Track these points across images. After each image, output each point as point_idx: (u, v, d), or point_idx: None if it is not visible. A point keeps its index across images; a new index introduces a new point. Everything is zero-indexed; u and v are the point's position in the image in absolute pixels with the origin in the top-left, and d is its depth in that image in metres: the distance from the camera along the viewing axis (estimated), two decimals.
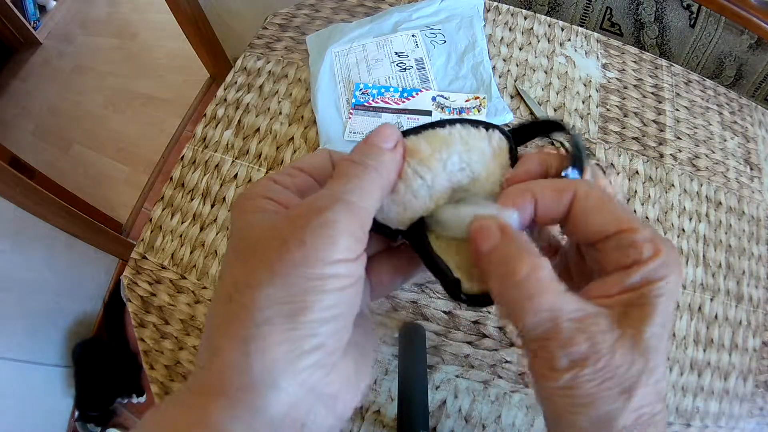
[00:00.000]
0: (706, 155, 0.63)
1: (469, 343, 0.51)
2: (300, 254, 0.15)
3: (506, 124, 0.23)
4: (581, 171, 0.20)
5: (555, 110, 0.64)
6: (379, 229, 0.20)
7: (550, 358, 0.17)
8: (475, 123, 0.22)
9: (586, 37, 0.71)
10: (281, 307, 0.15)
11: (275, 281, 0.15)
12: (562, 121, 0.21)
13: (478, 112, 0.61)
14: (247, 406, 0.15)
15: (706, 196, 0.61)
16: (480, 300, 0.20)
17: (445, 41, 0.67)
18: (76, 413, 1.18)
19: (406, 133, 0.21)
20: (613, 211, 0.18)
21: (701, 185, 0.61)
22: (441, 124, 0.21)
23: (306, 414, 0.16)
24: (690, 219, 0.59)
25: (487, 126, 0.22)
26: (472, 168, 0.21)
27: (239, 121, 0.64)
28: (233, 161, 0.61)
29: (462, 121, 0.22)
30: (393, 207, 0.20)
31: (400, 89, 0.63)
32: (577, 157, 0.20)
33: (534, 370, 0.18)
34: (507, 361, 0.51)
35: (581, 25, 0.76)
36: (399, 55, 0.66)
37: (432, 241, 0.20)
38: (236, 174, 0.60)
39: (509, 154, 0.22)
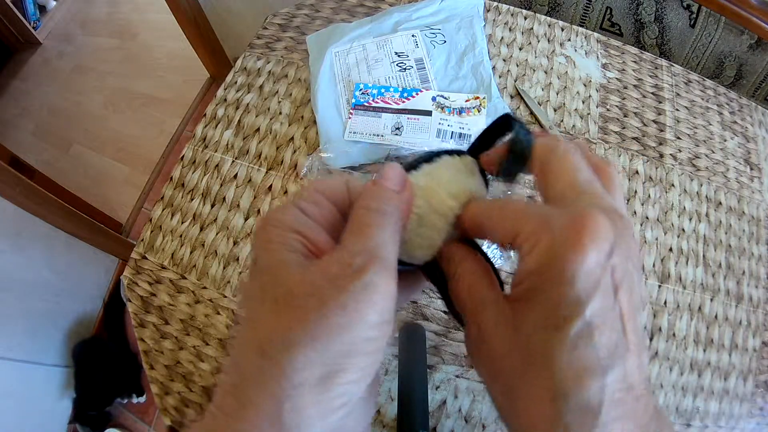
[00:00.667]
0: (706, 155, 0.63)
1: None
2: (340, 319, 0.15)
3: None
4: (523, 165, 0.21)
5: (555, 110, 0.64)
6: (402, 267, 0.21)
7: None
8: (447, 153, 0.23)
9: (586, 37, 0.71)
10: (318, 368, 0.15)
11: (313, 344, 0.15)
12: (508, 116, 0.22)
13: (478, 112, 0.61)
14: None
15: (706, 196, 0.61)
16: None
17: (445, 41, 0.67)
18: (72, 415, 1.18)
19: (406, 168, 0.22)
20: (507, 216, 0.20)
21: (701, 185, 0.61)
22: (428, 158, 0.23)
23: None
24: (690, 219, 0.59)
25: (453, 153, 0.23)
26: (460, 199, 0.22)
27: (239, 121, 0.64)
28: (233, 161, 0.61)
29: (453, 153, 0.23)
30: (404, 246, 0.21)
31: (400, 89, 0.63)
32: (517, 156, 0.21)
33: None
34: None
35: (581, 25, 0.76)
36: (399, 55, 0.66)
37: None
38: (236, 174, 0.60)
39: (480, 173, 0.23)
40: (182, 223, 0.58)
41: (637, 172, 0.61)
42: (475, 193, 0.22)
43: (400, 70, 0.65)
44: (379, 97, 0.62)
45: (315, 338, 0.15)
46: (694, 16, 0.73)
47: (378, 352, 0.16)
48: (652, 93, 0.67)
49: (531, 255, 0.17)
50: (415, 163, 0.22)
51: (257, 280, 0.18)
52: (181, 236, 0.57)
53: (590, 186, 0.19)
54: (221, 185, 0.59)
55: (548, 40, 0.70)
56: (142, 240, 0.57)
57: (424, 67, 0.65)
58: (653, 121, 0.65)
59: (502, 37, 0.70)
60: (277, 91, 0.66)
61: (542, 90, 0.65)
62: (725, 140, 0.65)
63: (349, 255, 0.17)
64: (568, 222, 0.16)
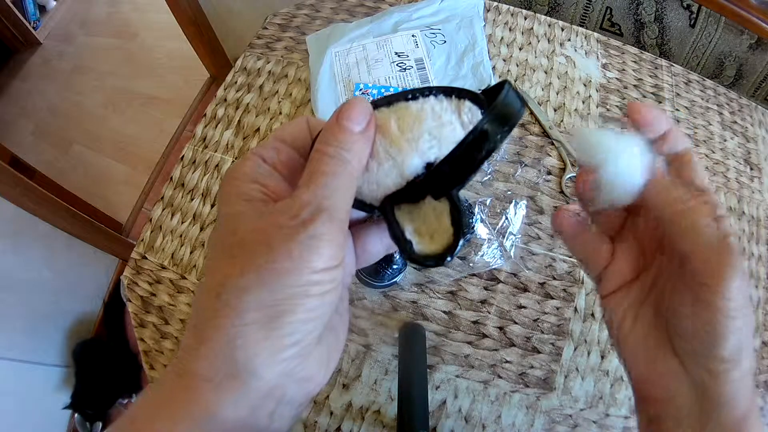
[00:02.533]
0: (706, 155, 0.63)
1: (469, 343, 0.51)
2: (287, 264, 0.16)
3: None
4: (501, 129, 0.20)
5: (555, 110, 0.64)
6: (355, 204, 0.21)
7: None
8: (448, 91, 0.21)
9: (586, 37, 0.71)
10: (266, 309, 0.16)
11: (262, 287, 0.16)
12: (506, 81, 0.21)
13: None
14: (232, 390, 0.17)
15: None
16: (430, 259, 0.20)
17: (445, 41, 0.67)
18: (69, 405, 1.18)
19: (376, 104, 0.21)
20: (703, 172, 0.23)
21: None
22: (414, 95, 0.21)
23: (282, 394, 0.18)
24: None
25: (459, 94, 0.21)
26: (441, 144, 0.21)
27: (239, 121, 0.64)
28: (233, 161, 0.61)
29: (435, 91, 0.21)
30: (365, 185, 0.21)
31: (400, 89, 0.63)
32: (497, 116, 0.20)
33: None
34: (507, 361, 0.51)
35: (581, 25, 0.76)
36: (399, 55, 0.66)
37: (400, 211, 0.21)
38: None
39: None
40: (182, 223, 0.58)
41: None
42: (446, 150, 0.21)
43: (400, 70, 0.65)
44: (379, 97, 0.62)
45: (263, 281, 0.16)
46: (694, 16, 0.73)
47: (326, 295, 0.17)
48: (652, 93, 0.67)
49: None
50: (392, 99, 0.21)
51: (217, 230, 0.19)
52: (181, 236, 0.57)
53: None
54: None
55: (548, 40, 0.70)
56: (142, 240, 0.57)
57: (424, 67, 0.65)
58: None
59: (502, 37, 0.70)
60: (277, 91, 0.66)
61: (542, 90, 0.65)
62: (725, 140, 0.65)
63: (298, 205, 0.17)
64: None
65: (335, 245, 0.17)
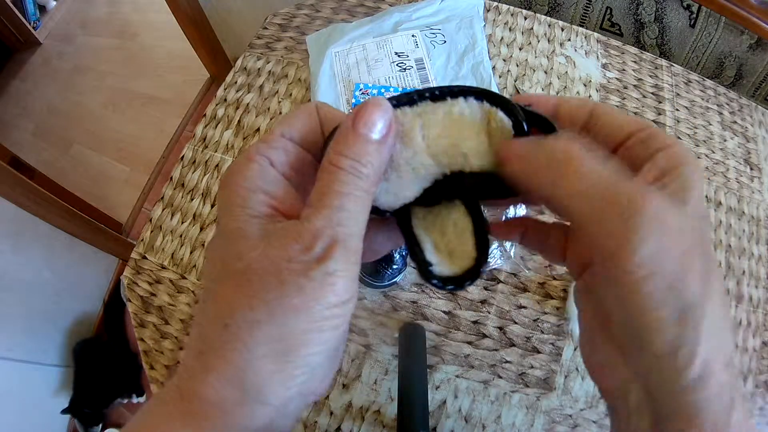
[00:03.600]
0: (706, 155, 0.63)
1: (469, 343, 0.51)
2: (298, 301, 0.16)
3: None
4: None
5: None
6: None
7: (612, 245, 0.16)
8: (479, 94, 0.19)
9: (586, 37, 0.71)
10: (277, 344, 0.16)
11: (273, 323, 0.16)
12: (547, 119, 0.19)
13: None
14: (241, 416, 0.16)
15: (706, 196, 0.61)
16: (449, 283, 0.19)
17: (445, 41, 0.67)
18: (68, 409, 1.18)
19: (398, 101, 0.19)
20: (627, 116, 0.19)
21: None
22: (441, 95, 0.19)
23: (286, 410, 0.17)
24: None
25: (491, 99, 0.19)
26: (468, 156, 0.19)
27: (239, 121, 0.64)
28: (233, 161, 0.61)
29: (465, 93, 0.19)
30: (382, 194, 0.19)
31: (400, 89, 0.63)
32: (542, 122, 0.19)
33: (601, 258, 0.17)
34: (507, 361, 0.51)
35: (581, 25, 0.76)
36: (399, 55, 0.66)
37: (416, 219, 0.20)
38: None
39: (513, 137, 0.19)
40: (182, 223, 0.58)
41: None
42: (468, 154, 0.19)
43: (400, 70, 0.65)
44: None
45: (273, 317, 0.15)
46: (694, 16, 0.73)
47: (339, 327, 0.17)
48: (652, 93, 0.67)
49: (670, 146, 0.17)
50: (415, 97, 0.19)
51: (219, 247, 0.17)
52: (181, 236, 0.57)
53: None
54: None
55: (548, 40, 0.70)
56: (142, 240, 0.57)
57: (424, 67, 0.65)
58: (653, 121, 0.65)
59: (502, 37, 0.70)
60: (277, 91, 0.66)
61: (542, 90, 0.65)
62: (725, 140, 0.65)
63: (311, 235, 0.16)
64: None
65: (350, 279, 0.16)
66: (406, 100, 0.19)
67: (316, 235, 0.16)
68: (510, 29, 0.71)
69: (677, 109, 0.66)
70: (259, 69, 0.68)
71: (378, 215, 0.20)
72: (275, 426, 0.17)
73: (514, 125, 0.19)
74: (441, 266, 0.19)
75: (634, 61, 0.70)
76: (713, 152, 0.64)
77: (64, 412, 1.16)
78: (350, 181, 0.17)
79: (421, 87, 0.20)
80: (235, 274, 0.16)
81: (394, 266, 0.50)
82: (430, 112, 0.19)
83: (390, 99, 0.19)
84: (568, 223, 0.21)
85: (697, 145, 0.64)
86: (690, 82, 0.69)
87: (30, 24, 1.97)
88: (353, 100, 0.62)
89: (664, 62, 0.70)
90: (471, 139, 0.19)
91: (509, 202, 0.21)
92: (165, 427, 0.16)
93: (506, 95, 0.19)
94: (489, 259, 0.19)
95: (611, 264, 0.16)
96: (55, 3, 2.11)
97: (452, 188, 0.20)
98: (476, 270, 0.19)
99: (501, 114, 0.19)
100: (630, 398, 0.18)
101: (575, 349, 0.52)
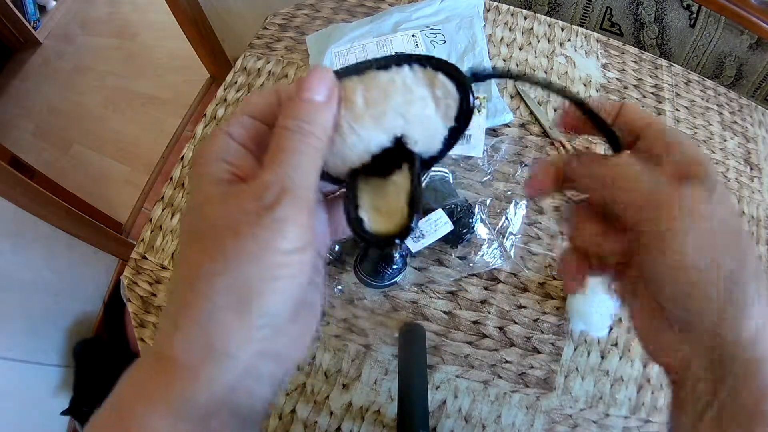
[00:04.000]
0: (706, 155, 0.63)
1: (469, 343, 0.51)
2: (253, 248, 0.17)
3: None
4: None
5: (555, 110, 0.64)
6: (324, 177, 0.20)
7: (656, 238, 0.18)
8: (423, 61, 0.20)
9: (586, 37, 0.71)
10: (236, 293, 0.17)
11: (230, 272, 0.17)
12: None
13: (479, 112, 0.61)
14: (207, 373, 0.17)
15: None
16: (379, 240, 0.20)
17: (445, 41, 0.67)
18: (67, 410, 1.18)
19: (346, 71, 0.20)
20: (644, 113, 0.22)
21: None
22: (387, 63, 0.20)
23: (259, 373, 0.18)
24: None
25: (436, 65, 0.20)
26: (410, 120, 0.20)
27: None
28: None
29: (410, 60, 0.20)
30: (330, 159, 0.20)
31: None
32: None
33: (647, 252, 0.19)
34: (507, 361, 0.51)
35: (581, 25, 0.76)
36: None
37: (363, 183, 0.21)
38: None
39: (458, 105, 0.20)
40: None
41: None
42: (407, 117, 0.20)
43: None
44: None
45: (229, 266, 0.17)
46: (694, 16, 0.73)
47: (295, 277, 0.18)
48: (652, 93, 0.67)
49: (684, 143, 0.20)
50: (362, 66, 0.20)
51: (187, 215, 0.19)
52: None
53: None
54: None
55: (548, 40, 0.70)
56: (142, 240, 0.57)
57: None
58: None
59: (502, 37, 0.70)
60: None
61: (542, 90, 0.65)
62: (725, 140, 0.65)
63: (262, 187, 0.17)
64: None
65: (301, 226, 0.17)
66: (353, 69, 0.20)
67: (266, 186, 0.17)
68: (510, 29, 0.71)
69: (677, 109, 0.66)
70: (259, 69, 0.68)
71: (335, 183, 0.21)
72: (247, 386, 0.18)
73: (458, 89, 0.20)
74: (373, 223, 0.20)
75: (634, 61, 0.70)
76: (713, 152, 0.64)
77: (64, 413, 1.16)
78: (297, 139, 0.18)
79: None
80: (199, 235, 0.18)
81: (394, 266, 0.50)
82: (374, 78, 0.20)
83: (338, 69, 0.20)
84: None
85: (697, 145, 0.64)
86: (690, 82, 0.69)
87: (30, 24, 1.97)
88: None
89: (664, 62, 0.70)
90: (412, 103, 0.20)
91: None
92: (141, 391, 0.17)
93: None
94: (420, 217, 0.20)
95: (663, 255, 0.18)
96: (55, 3, 2.11)
97: (399, 155, 0.20)
98: (407, 229, 0.19)
99: (443, 78, 0.20)
100: (693, 368, 0.20)
101: (575, 349, 0.52)
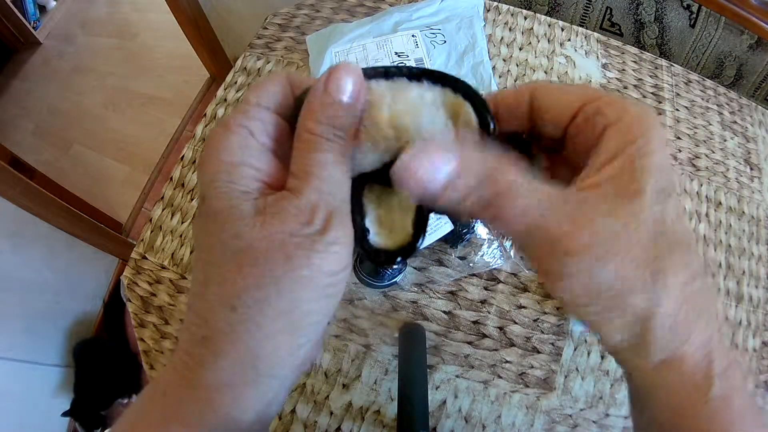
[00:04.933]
0: (706, 155, 0.63)
1: (469, 343, 0.51)
2: (306, 273, 0.16)
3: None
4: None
5: None
6: None
7: (551, 266, 0.16)
8: (456, 86, 0.19)
9: (586, 37, 0.71)
10: (287, 318, 0.16)
11: (281, 297, 0.16)
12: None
13: None
14: (252, 395, 0.17)
15: (706, 196, 0.61)
16: (383, 255, 0.19)
17: (445, 41, 0.67)
18: (69, 411, 1.18)
19: (375, 71, 0.19)
20: (573, 90, 0.18)
21: (701, 185, 0.61)
22: (419, 76, 0.19)
23: (290, 383, 0.18)
24: (690, 219, 0.59)
25: (466, 93, 0.19)
26: (427, 141, 0.19)
27: None
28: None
29: (443, 81, 0.19)
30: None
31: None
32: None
33: (548, 285, 0.17)
34: (507, 361, 0.51)
35: (581, 25, 0.76)
36: (399, 55, 0.66)
37: (369, 191, 0.20)
38: None
39: (479, 131, 0.19)
40: (182, 223, 0.58)
41: None
42: (427, 138, 0.18)
43: None
44: None
45: (282, 292, 0.16)
46: (694, 16, 0.73)
47: (339, 293, 0.17)
48: (652, 93, 0.67)
49: (616, 123, 0.16)
50: (392, 71, 0.19)
51: (210, 226, 0.17)
52: (181, 236, 0.57)
53: (598, 90, 0.18)
54: None
55: (548, 40, 0.70)
56: (142, 240, 0.57)
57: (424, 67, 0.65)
58: None
59: (502, 37, 0.70)
60: None
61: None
62: (725, 140, 0.65)
63: (309, 210, 0.16)
64: (641, 105, 0.17)
65: (349, 245, 0.17)
66: (382, 72, 0.19)
67: (314, 208, 0.16)
68: (510, 29, 0.71)
69: (677, 109, 0.66)
70: (259, 69, 0.68)
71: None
72: (279, 398, 0.18)
73: (480, 124, 0.19)
74: (378, 237, 0.19)
75: (634, 61, 0.70)
76: (713, 152, 0.64)
77: (65, 414, 1.17)
78: (330, 148, 0.17)
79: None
80: (237, 255, 0.16)
81: (394, 266, 0.50)
82: (404, 89, 0.19)
83: (366, 68, 0.19)
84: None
85: (697, 145, 0.64)
86: (690, 82, 0.69)
87: (30, 24, 1.97)
88: None
89: (664, 62, 0.70)
90: (436, 124, 0.19)
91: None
92: (172, 417, 0.16)
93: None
94: (424, 239, 0.19)
95: (555, 291, 0.16)
96: (55, 3, 2.11)
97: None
98: (411, 248, 0.19)
99: (469, 109, 0.19)
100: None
101: (575, 349, 0.52)
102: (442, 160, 0.16)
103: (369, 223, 0.19)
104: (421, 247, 0.19)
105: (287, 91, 0.19)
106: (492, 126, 0.19)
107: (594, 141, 0.17)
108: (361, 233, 0.19)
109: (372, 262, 0.21)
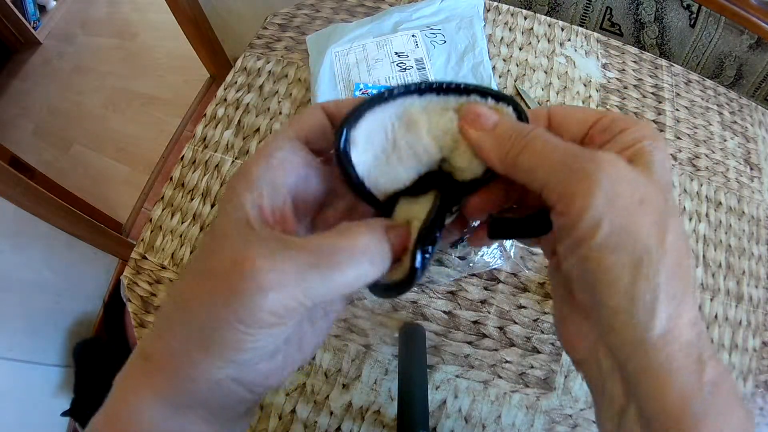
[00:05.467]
0: (706, 155, 0.63)
1: (469, 343, 0.51)
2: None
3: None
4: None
5: None
6: (366, 198, 0.20)
7: (568, 199, 0.16)
8: (485, 94, 0.20)
9: (586, 37, 0.71)
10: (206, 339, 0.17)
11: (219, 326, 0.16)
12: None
13: None
14: (183, 379, 0.17)
15: (706, 196, 0.61)
16: (389, 288, 0.19)
17: (445, 41, 0.67)
18: (68, 411, 1.17)
19: (407, 89, 0.20)
20: (585, 109, 0.20)
21: (701, 185, 0.61)
22: (447, 90, 0.20)
23: (227, 389, 0.18)
24: (690, 219, 0.59)
25: (496, 97, 0.20)
26: (458, 149, 0.20)
27: (239, 121, 0.64)
28: (233, 161, 0.61)
29: (472, 92, 0.20)
30: (382, 178, 0.20)
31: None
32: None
33: (558, 227, 0.17)
34: (507, 361, 0.51)
35: (581, 25, 0.76)
36: (399, 55, 0.66)
37: (398, 207, 0.20)
38: None
39: None
40: (182, 223, 0.58)
41: None
42: (468, 158, 0.19)
43: (400, 70, 0.65)
44: None
45: (219, 325, 0.16)
46: (694, 16, 0.73)
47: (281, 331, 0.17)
48: (652, 93, 0.67)
49: (629, 128, 0.18)
50: (424, 88, 0.20)
51: (208, 235, 0.18)
52: (181, 236, 0.57)
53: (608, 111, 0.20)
54: (221, 185, 0.59)
55: (548, 40, 0.70)
56: (142, 240, 0.57)
57: (424, 67, 0.65)
58: (653, 121, 0.65)
59: (502, 37, 0.70)
60: (277, 91, 0.66)
61: (542, 90, 0.65)
62: (725, 140, 0.65)
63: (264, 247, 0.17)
64: (647, 122, 0.18)
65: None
66: (414, 89, 0.20)
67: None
68: (510, 29, 0.71)
69: (677, 109, 0.66)
70: (259, 69, 0.68)
71: (374, 206, 0.20)
72: (217, 400, 0.18)
73: (519, 118, 0.20)
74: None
75: (634, 61, 0.70)
76: (713, 152, 0.64)
77: (65, 414, 1.16)
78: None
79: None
80: (211, 272, 0.17)
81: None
82: (439, 114, 0.20)
83: (395, 88, 0.19)
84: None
85: (697, 145, 0.64)
86: (690, 82, 0.69)
87: (30, 24, 1.97)
88: None
89: (664, 62, 0.70)
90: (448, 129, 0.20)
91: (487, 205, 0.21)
92: (130, 386, 0.18)
93: (554, 98, 0.20)
94: (422, 268, 0.18)
95: (569, 223, 0.16)
96: (55, 3, 2.11)
97: (438, 180, 0.20)
98: (409, 278, 0.18)
99: (510, 110, 0.20)
100: (602, 365, 0.18)
101: None
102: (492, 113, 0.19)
103: None
104: (421, 271, 0.18)
105: (323, 122, 0.20)
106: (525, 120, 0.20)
107: (606, 143, 0.19)
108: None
109: (374, 294, 0.20)
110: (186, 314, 0.17)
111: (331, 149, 0.19)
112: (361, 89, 0.63)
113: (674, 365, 0.15)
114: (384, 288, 0.19)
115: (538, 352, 0.51)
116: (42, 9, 2.08)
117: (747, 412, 0.16)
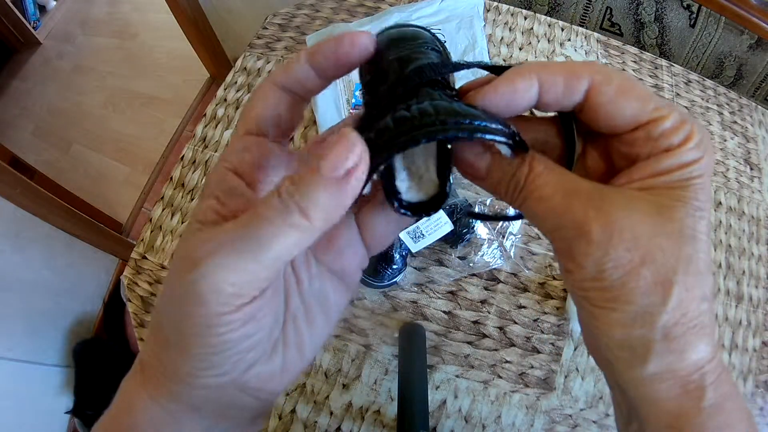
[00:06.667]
0: None
1: (469, 343, 0.51)
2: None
3: None
4: None
5: None
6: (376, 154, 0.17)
7: (570, 247, 0.16)
8: (478, 132, 0.19)
9: (586, 37, 0.71)
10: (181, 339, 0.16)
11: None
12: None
13: None
14: (177, 390, 0.17)
15: None
16: (418, 207, 0.18)
17: (445, 41, 0.67)
18: (71, 410, 1.18)
19: (416, 138, 0.17)
20: (638, 97, 0.16)
21: None
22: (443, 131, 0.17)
23: (230, 400, 0.18)
24: None
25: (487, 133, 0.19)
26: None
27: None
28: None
29: (469, 131, 0.17)
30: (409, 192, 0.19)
31: None
32: None
33: (563, 268, 0.17)
34: (507, 361, 0.51)
35: (581, 25, 0.76)
36: None
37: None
38: None
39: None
40: (182, 223, 0.58)
41: None
42: None
43: None
44: None
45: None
46: (694, 16, 0.73)
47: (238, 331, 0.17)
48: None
49: (680, 147, 0.16)
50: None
51: (191, 220, 0.18)
52: (181, 236, 0.57)
53: (662, 103, 0.16)
54: None
55: (548, 40, 0.70)
56: (142, 240, 0.57)
57: None
58: None
59: (502, 37, 0.70)
60: None
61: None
62: (725, 140, 0.65)
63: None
64: (700, 125, 0.16)
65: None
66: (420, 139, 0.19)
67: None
68: (510, 29, 0.71)
69: None
70: (259, 69, 0.68)
71: (381, 158, 0.17)
72: (215, 409, 0.18)
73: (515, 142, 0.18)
74: (408, 193, 0.19)
75: (634, 61, 0.70)
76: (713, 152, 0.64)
77: (68, 412, 1.17)
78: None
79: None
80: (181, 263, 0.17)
81: (394, 266, 0.50)
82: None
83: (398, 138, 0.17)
84: None
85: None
86: (690, 82, 0.69)
87: (30, 24, 1.97)
88: (353, 100, 0.62)
89: (664, 62, 0.70)
90: None
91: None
92: (131, 390, 0.18)
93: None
94: (450, 189, 0.18)
95: (571, 270, 0.16)
96: (55, 3, 2.11)
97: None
98: (441, 195, 0.18)
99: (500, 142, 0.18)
100: (609, 379, 0.18)
101: (575, 349, 0.52)
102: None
103: (398, 181, 0.19)
104: (450, 192, 0.18)
105: (277, 104, 0.20)
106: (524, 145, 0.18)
107: (649, 157, 0.16)
108: (393, 195, 0.18)
109: (413, 218, 0.19)
110: (161, 316, 0.17)
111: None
112: (361, 89, 0.63)
113: (672, 394, 0.16)
114: (416, 210, 0.18)
115: (538, 352, 0.51)
116: (42, 9, 2.08)
117: (750, 426, 0.16)
